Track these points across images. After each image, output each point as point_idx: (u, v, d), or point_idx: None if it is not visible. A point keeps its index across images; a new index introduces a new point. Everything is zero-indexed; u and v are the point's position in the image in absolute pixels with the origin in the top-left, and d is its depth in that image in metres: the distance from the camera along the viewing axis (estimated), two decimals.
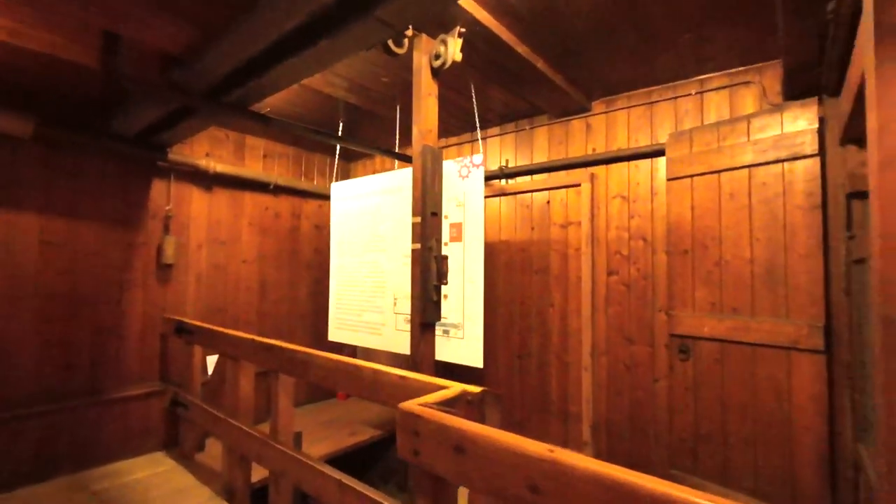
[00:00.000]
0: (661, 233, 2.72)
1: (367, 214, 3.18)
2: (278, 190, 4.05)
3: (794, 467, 2.06)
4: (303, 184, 4.21)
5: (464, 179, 2.64)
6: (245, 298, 3.81)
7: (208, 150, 3.61)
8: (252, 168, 3.90)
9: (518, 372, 3.28)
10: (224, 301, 3.66)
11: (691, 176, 2.49)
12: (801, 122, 2.11)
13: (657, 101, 2.78)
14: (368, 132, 3.82)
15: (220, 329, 2.61)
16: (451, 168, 2.70)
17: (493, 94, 2.96)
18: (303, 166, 4.33)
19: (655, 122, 2.79)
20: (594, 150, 3.03)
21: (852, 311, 1.92)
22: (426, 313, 2.02)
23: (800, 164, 2.11)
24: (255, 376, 2.55)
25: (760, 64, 2.45)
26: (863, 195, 1.92)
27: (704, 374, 2.39)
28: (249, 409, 2.48)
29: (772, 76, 2.42)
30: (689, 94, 2.66)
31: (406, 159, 3.03)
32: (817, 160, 2.05)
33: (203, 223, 3.58)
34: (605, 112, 2.98)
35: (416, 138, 2.09)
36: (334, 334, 3.36)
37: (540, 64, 2.44)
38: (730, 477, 2.25)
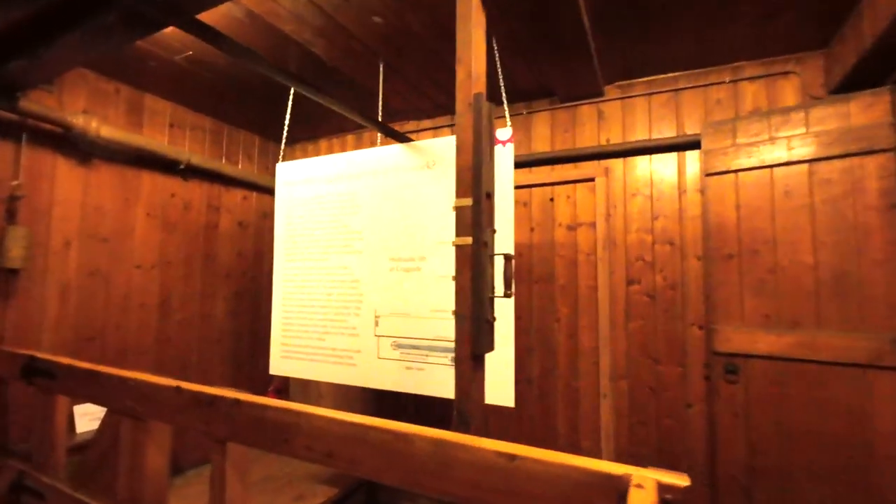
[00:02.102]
0: (693, 235, 2.39)
1: (332, 204, 2.40)
2: (190, 172, 3.03)
3: (884, 499, 1.79)
4: (225, 167, 3.23)
5: None
6: (137, 318, 2.72)
7: (86, 107, 2.51)
8: (154, 139, 2.84)
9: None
10: (103, 324, 2.55)
11: (736, 171, 2.20)
12: (872, 112, 1.90)
13: (684, 89, 2.47)
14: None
15: (112, 371, 1.66)
16: None
17: (503, 62, 2.41)
18: (224, 145, 3.34)
19: (682, 111, 2.48)
20: (608, 140, 2.64)
21: None
22: (480, 340, 1.36)
23: (872, 159, 1.89)
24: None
25: (801, 54, 2.25)
26: None
27: (759, 399, 2.06)
28: (161, 498, 1.58)
29: (814, 67, 2.23)
30: (723, 83, 2.39)
31: (395, 136, 2.34)
32: (892, 155, 1.85)
33: (74, 210, 2.46)
34: (621, 98, 2.61)
35: (460, 86, 1.44)
36: (279, 365, 2.48)
37: (585, 22, 1.96)
38: None
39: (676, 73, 2.49)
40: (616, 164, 2.60)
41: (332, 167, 2.42)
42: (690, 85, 2.45)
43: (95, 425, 2.44)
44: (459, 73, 1.45)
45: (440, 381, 2.04)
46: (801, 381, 1.97)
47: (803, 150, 2.03)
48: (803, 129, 2.05)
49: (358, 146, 3.46)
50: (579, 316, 2.61)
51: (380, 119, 2.50)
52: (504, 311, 1.91)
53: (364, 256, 2.28)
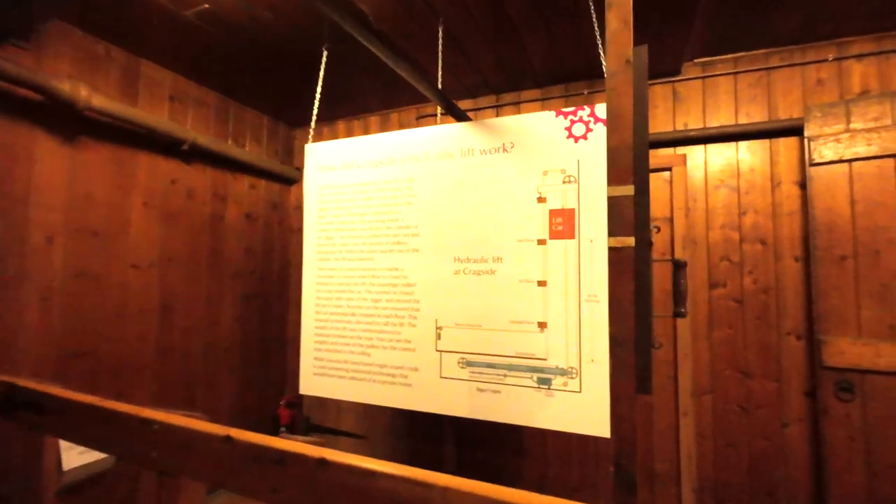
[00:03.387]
0: (790, 233, 2.12)
1: (380, 193, 2.02)
2: (194, 154, 2.59)
3: None
4: (233, 150, 2.80)
5: (577, 141, 1.69)
6: (135, 328, 2.29)
7: (71, 72, 2.05)
8: (153, 113, 2.39)
9: None
10: (95, 336, 2.11)
11: (850, 161, 1.92)
12: None
13: (778, 67, 2.18)
14: (364, 79, 2.60)
15: (128, 409, 1.25)
16: (552, 123, 1.74)
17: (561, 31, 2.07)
18: (230, 125, 2.90)
19: (775, 92, 2.19)
20: (686, 125, 2.34)
21: None
22: (646, 372, 1.03)
23: None
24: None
25: None
26: None
27: (882, 420, 1.80)
28: None
29: None
30: (825, 61, 2.11)
31: (459, 115, 1.97)
32: None
33: (58, 198, 2.01)
34: (702, 77, 2.31)
35: (613, 37, 1.09)
36: (312, 384, 2.09)
37: None
38: None
39: (768, 50, 2.20)
40: (695, 151, 2.30)
41: (379, 149, 2.04)
42: (785, 63, 2.16)
43: (88, 459, 2.01)
44: (611, 22, 1.10)
45: (522, 407, 1.70)
46: (880, 393, 1.72)
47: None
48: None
49: (384, 129, 3.07)
50: (654, 324, 2.30)
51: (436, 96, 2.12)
52: (600, 330, 1.59)
53: (421, 256, 1.91)
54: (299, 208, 3.32)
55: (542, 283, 1.70)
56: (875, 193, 1.87)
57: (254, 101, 2.97)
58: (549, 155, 1.73)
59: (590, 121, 1.67)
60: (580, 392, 1.63)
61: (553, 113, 1.74)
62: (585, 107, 1.69)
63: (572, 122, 1.70)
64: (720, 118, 2.28)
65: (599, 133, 1.65)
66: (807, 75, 2.14)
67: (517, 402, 1.71)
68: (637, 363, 1.02)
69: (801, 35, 2.11)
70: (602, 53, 1.74)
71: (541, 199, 1.73)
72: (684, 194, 2.30)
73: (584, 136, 1.68)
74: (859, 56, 2.07)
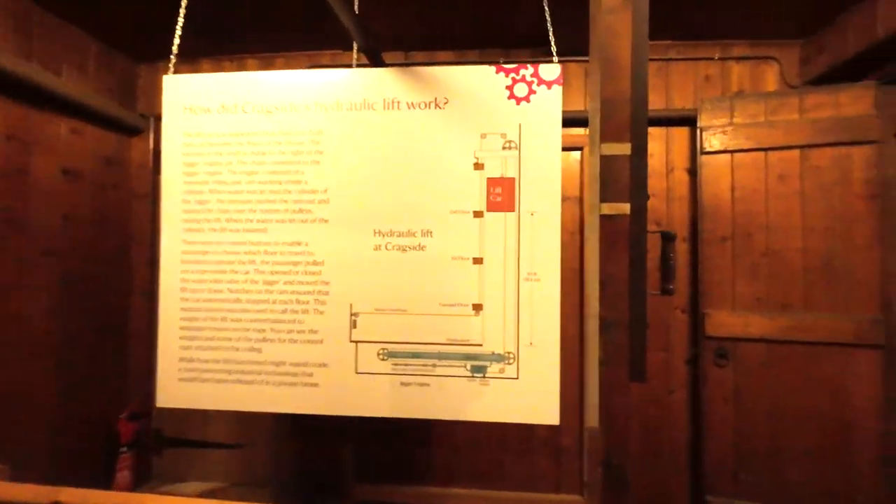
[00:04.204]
0: (679, 216, 2.30)
1: (276, 147, 1.59)
2: None
3: (853, 473, 1.93)
4: (40, 75, 2.01)
5: (519, 104, 1.52)
6: None
7: None
8: None
9: None
10: None
11: (732, 152, 2.13)
12: (860, 105, 1.98)
13: (676, 60, 2.32)
14: (242, 7, 2.04)
15: None
16: (492, 80, 1.54)
17: None
18: (33, 40, 2.08)
19: (672, 83, 2.33)
20: None
21: None
22: (640, 356, 0.91)
23: (858, 149, 1.98)
24: None
25: (782, 41, 2.28)
26: None
27: (750, 382, 2.07)
28: None
29: (791, 56, 2.28)
30: (712, 59, 2.30)
31: (378, 61, 1.64)
32: (876, 147, 1.96)
33: None
34: None
35: None
36: (174, 394, 1.60)
37: None
38: (783, 496, 2.00)
39: (669, 42, 2.33)
40: None
41: (274, 90, 1.60)
42: (682, 56, 2.31)
43: None
44: None
45: (454, 399, 1.51)
46: (790, 362, 2.01)
47: (799, 135, 2.04)
48: (797, 115, 2.06)
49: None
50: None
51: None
52: (546, 310, 1.48)
53: (332, 228, 1.56)
54: (146, 167, 2.59)
55: (478, 261, 1.52)
56: (750, 182, 2.11)
57: (77, 15, 2.17)
58: (487, 116, 1.53)
59: (533, 81, 1.52)
60: (517, 378, 1.49)
61: (493, 69, 1.54)
62: (528, 65, 1.53)
63: (514, 80, 1.52)
64: None
65: (543, 96, 1.51)
66: (698, 70, 2.32)
67: (448, 395, 1.52)
68: (637, 345, 0.90)
69: (699, 32, 2.26)
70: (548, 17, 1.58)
71: (478, 166, 1.53)
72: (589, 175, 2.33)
73: (527, 99, 1.52)
74: (739, 58, 2.31)
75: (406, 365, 1.53)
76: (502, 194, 1.51)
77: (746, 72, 2.30)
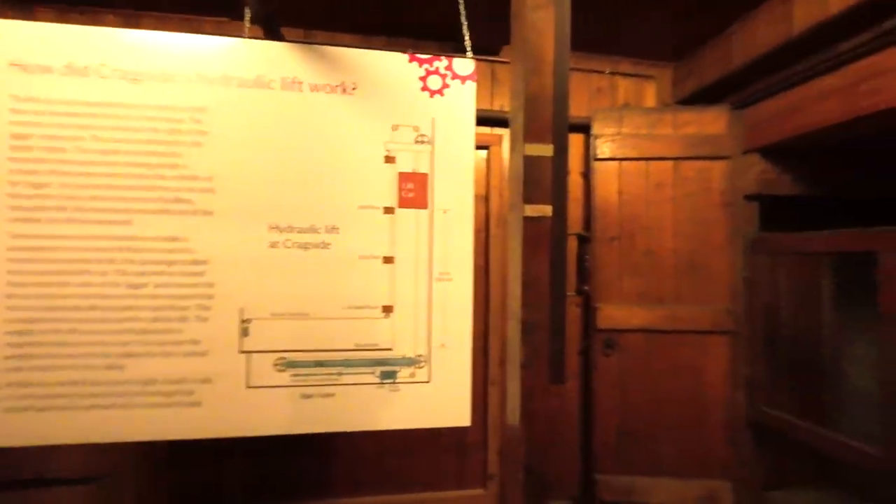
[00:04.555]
0: (575, 217, 2.45)
1: (146, 123, 1.32)
2: None
3: (708, 439, 2.25)
4: None
5: (433, 96, 1.46)
6: None
7: None
8: None
9: None
10: None
11: (620, 159, 2.33)
12: (718, 125, 2.29)
13: (573, 70, 2.46)
14: None
15: None
16: (404, 69, 1.45)
17: None
18: None
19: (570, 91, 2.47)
20: (502, 107, 2.42)
21: (751, 296, 2.25)
22: (560, 359, 0.91)
23: (716, 163, 2.29)
24: None
25: (660, 62, 2.55)
26: (757, 198, 2.26)
27: (632, 368, 2.29)
28: None
29: (665, 77, 2.56)
30: (603, 73, 2.49)
31: (275, 34, 1.45)
32: (729, 162, 2.29)
33: None
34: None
35: None
36: (4, 429, 1.25)
37: None
38: (657, 466, 2.25)
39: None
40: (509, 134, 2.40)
41: (143, 52, 1.32)
42: (578, 67, 2.46)
43: None
44: None
45: (362, 409, 1.41)
46: (663, 349, 2.27)
47: (673, 148, 2.30)
48: (672, 131, 2.32)
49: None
50: None
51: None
52: (458, 310, 1.45)
53: (217, 221, 1.35)
54: None
55: (388, 260, 1.43)
56: (634, 188, 2.33)
57: None
58: (399, 106, 1.44)
59: (447, 74, 1.47)
60: (429, 382, 1.44)
61: (406, 57, 1.45)
62: (443, 58, 1.47)
63: (428, 72, 1.46)
64: None
65: (457, 91, 1.47)
66: (591, 82, 2.50)
67: (356, 405, 1.41)
68: (557, 347, 0.90)
69: (592, 47, 2.42)
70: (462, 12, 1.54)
71: (389, 159, 1.44)
72: (500, 174, 2.39)
73: (441, 92, 1.47)
74: (624, 74, 2.53)
75: (308, 375, 1.39)
76: (415, 190, 1.44)
77: (631, 87, 2.54)
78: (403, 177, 1.44)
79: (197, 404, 1.33)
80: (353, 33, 2.31)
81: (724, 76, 2.22)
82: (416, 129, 1.45)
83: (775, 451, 2.22)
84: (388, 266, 1.43)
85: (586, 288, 1.07)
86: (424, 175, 1.45)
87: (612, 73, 2.52)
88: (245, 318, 1.36)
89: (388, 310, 1.43)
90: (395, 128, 1.44)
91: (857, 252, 1.84)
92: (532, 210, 0.89)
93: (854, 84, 1.70)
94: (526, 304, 0.89)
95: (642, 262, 2.30)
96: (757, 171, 2.23)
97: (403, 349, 1.43)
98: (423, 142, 1.45)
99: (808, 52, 1.83)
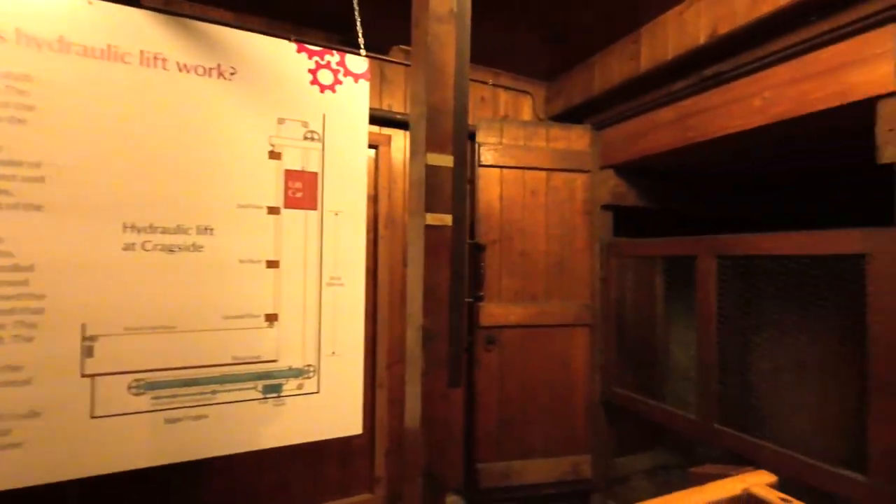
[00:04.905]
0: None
1: None
2: None
3: (573, 419, 2.54)
4: None
5: (324, 91, 1.38)
6: None
7: None
8: None
9: None
10: None
11: (501, 167, 2.50)
12: (582, 142, 2.60)
13: None
14: None
15: None
16: (291, 59, 1.35)
17: None
18: None
19: None
20: (391, 106, 2.40)
21: (605, 293, 2.60)
22: (458, 365, 0.94)
23: (580, 176, 2.59)
24: None
25: (535, 80, 2.79)
26: (611, 208, 2.62)
27: (509, 361, 2.48)
28: None
29: (539, 94, 2.81)
30: (486, 83, 2.64)
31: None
32: (589, 175, 2.61)
33: None
34: (405, 65, 2.43)
35: None
36: None
37: None
38: (529, 449, 2.47)
39: None
40: (398, 134, 2.40)
41: None
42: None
43: None
44: None
45: (241, 429, 1.29)
46: (536, 342, 2.50)
47: (545, 159, 2.54)
48: (545, 144, 2.56)
49: None
50: None
51: None
52: (350, 317, 1.40)
53: (50, 219, 1.10)
54: None
55: (273, 264, 1.32)
56: (513, 194, 2.51)
57: None
58: (286, 99, 1.34)
59: (339, 70, 1.41)
60: (318, 392, 1.37)
61: (294, 45, 1.36)
62: (335, 52, 1.41)
63: (318, 65, 1.38)
64: None
65: (350, 89, 1.42)
66: (475, 91, 2.62)
67: (234, 424, 1.28)
68: (455, 354, 0.92)
69: (477, 58, 2.54)
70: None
71: (274, 155, 1.33)
72: (388, 174, 2.37)
73: (332, 88, 1.40)
74: (505, 87, 2.70)
75: (174, 397, 1.21)
76: (303, 190, 1.36)
77: (511, 99, 2.73)
78: (290, 175, 1.34)
79: (16, 446, 1.07)
80: (227, 8, 2.07)
81: (588, 100, 2.52)
82: (304, 124, 1.36)
83: (622, 423, 2.60)
84: (273, 271, 1.32)
85: (481, 294, 1.12)
86: (314, 174, 1.37)
87: (495, 85, 2.68)
88: (89, 334, 1.14)
89: (272, 318, 1.32)
90: (280, 121, 1.33)
91: (682, 255, 2.24)
92: (433, 219, 0.90)
93: (683, 118, 2.07)
94: (427, 312, 0.90)
95: (519, 263, 2.50)
96: (611, 185, 2.58)
97: (290, 360, 1.34)
98: (312, 139, 1.37)
99: (651, 87, 2.17)
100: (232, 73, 1.27)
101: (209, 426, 1.24)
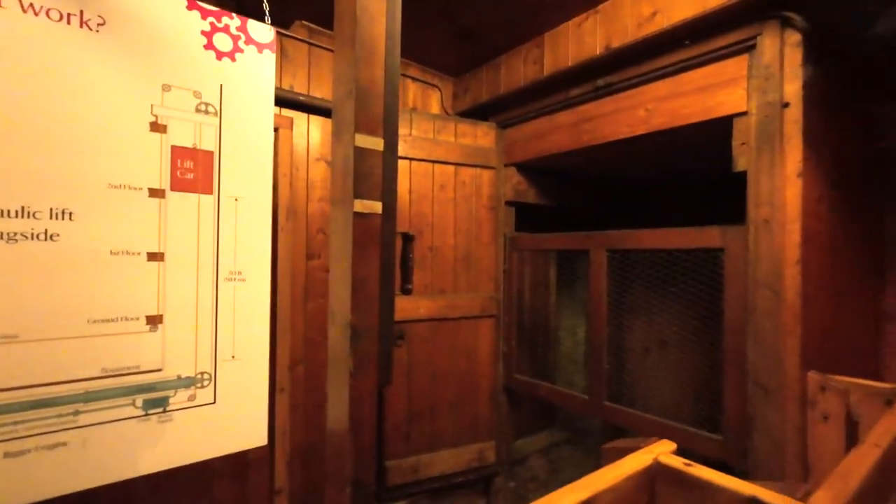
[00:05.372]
0: None
1: None
2: None
3: (479, 407, 2.62)
4: None
5: (221, 59, 1.20)
6: None
7: None
8: None
9: None
10: None
11: (411, 159, 2.47)
12: (487, 139, 2.67)
13: None
14: None
15: None
16: (181, 16, 1.15)
17: None
18: None
19: None
20: (293, 87, 2.22)
21: (508, 285, 2.72)
22: (388, 364, 0.88)
23: (486, 172, 2.67)
24: None
25: (442, 74, 2.79)
26: (514, 204, 2.75)
27: (418, 355, 2.47)
28: None
29: (448, 87, 2.83)
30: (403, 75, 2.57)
31: None
32: (494, 172, 2.70)
33: None
34: (308, 42, 2.26)
35: None
36: None
37: None
38: (437, 441, 2.49)
39: None
40: (301, 118, 2.22)
41: None
42: None
43: None
44: None
45: (116, 454, 1.07)
46: (444, 334, 2.52)
47: (454, 154, 2.56)
48: (453, 139, 2.58)
49: None
50: None
51: None
52: (254, 318, 1.25)
53: None
54: None
55: (156, 257, 1.11)
56: (422, 188, 2.49)
57: None
58: (174, 63, 1.14)
59: (239, 37, 1.24)
60: (214, 403, 1.20)
61: (183, 1, 1.15)
62: (234, 16, 1.23)
63: (214, 28, 1.20)
64: (323, 91, 2.30)
65: (253, 59, 1.26)
66: None
67: (102, 451, 1.06)
68: (385, 352, 0.86)
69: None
70: None
71: (157, 127, 1.12)
72: (290, 161, 2.18)
73: (231, 56, 1.23)
74: (413, 78, 2.66)
75: (17, 424, 0.97)
76: (195, 171, 1.17)
77: (419, 92, 2.70)
78: (179, 152, 1.15)
79: None
80: None
81: (494, 98, 2.60)
82: (197, 94, 1.17)
83: (521, 408, 2.76)
84: (156, 264, 1.12)
85: (410, 287, 1.07)
86: (209, 153, 1.19)
87: (404, 76, 2.62)
88: None
89: (155, 321, 1.12)
90: (166, 88, 1.13)
91: (576, 250, 2.43)
92: (362, 206, 0.83)
93: (579, 122, 2.24)
94: (356, 308, 0.83)
95: (428, 257, 2.49)
96: (514, 182, 2.70)
97: (179, 368, 1.15)
98: (207, 112, 1.19)
99: (552, 91, 2.31)
100: (100, 25, 1.04)
101: (68, 456, 1.01)
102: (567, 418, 3.28)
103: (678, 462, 0.85)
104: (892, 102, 2.12)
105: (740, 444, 1.67)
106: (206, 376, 1.18)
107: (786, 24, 1.56)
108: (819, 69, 1.62)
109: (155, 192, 1.11)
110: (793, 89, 1.56)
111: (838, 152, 1.83)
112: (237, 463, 2.05)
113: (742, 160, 1.69)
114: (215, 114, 1.19)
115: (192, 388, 1.16)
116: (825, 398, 1.55)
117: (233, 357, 1.22)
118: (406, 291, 1.07)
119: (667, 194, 3.36)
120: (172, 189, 1.13)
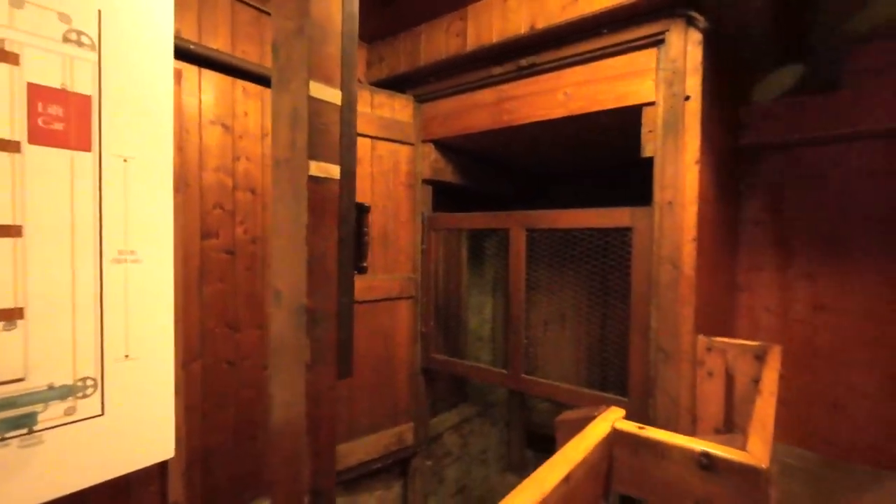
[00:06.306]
0: (269, 183, 2.20)
1: None
2: None
3: (397, 390, 2.57)
4: None
5: None
6: None
7: None
8: None
9: None
10: None
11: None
12: (405, 112, 2.56)
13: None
14: None
15: None
16: None
17: None
18: None
19: (268, 40, 2.17)
20: (180, 32, 1.86)
21: (426, 265, 2.68)
22: (348, 351, 0.77)
23: (404, 147, 2.57)
24: None
25: (359, 42, 2.59)
26: (431, 182, 2.70)
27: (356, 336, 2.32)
28: None
29: (362, 56, 2.64)
30: None
31: None
32: (412, 148, 2.61)
33: None
34: None
35: None
36: None
37: None
38: (356, 429, 2.39)
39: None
40: (191, 72, 1.88)
41: None
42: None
43: None
44: None
45: None
46: (364, 317, 2.39)
47: (370, 126, 2.41)
48: (370, 110, 2.42)
49: None
50: None
51: None
52: (155, 307, 1.02)
53: None
54: None
55: (9, 231, 0.83)
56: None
57: None
58: None
59: None
60: (102, 415, 0.96)
61: None
62: None
63: None
64: (218, 42, 1.98)
65: None
66: None
67: None
68: (345, 337, 0.75)
69: None
70: None
71: (6, 56, 0.82)
72: (179, 122, 1.83)
73: None
74: None
75: None
76: (66, 119, 0.90)
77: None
78: (40, 93, 0.87)
79: None
80: None
81: (413, 70, 2.48)
82: (65, 18, 0.89)
83: (435, 387, 2.77)
84: (11, 241, 0.84)
85: (364, 265, 0.94)
86: (85, 98, 0.92)
87: None
88: None
89: (12, 315, 0.84)
90: (17, 4, 0.83)
91: (494, 229, 2.47)
92: (318, 169, 0.70)
93: (500, 101, 2.24)
94: (312, 289, 0.70)
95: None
96: (431, 160, 2.64)
97: (48, 375, 0.89)
98: (80, 43, 0.91)
99: (474, 67, 2.28)
100: None
101: None
102: (476, 392, 3.39)
103: (633, 427, 0.89)
104: (753, 107, 2.49)
105: (643, 403, 1.86)
106: (89, 382, 0.94)
107: (690, 23, 1.72)
108: (713, 68, 1.81)
109: (4, 145, 0.82)
110: (693, 83, 1.73)
111: (719, 145, 2.10)
112: (121, 481, 1.73)
113: (650, 146, 1.84)
114: (92, 47, 0.92)
115: (71, 398, 0.91)
116: (710, 357, 1.79)
117: (126, 356, 0.99)
118: (361, 270, 0.94)
119: (576, 182, 3.58)
120: (32, 142, 0.85)
